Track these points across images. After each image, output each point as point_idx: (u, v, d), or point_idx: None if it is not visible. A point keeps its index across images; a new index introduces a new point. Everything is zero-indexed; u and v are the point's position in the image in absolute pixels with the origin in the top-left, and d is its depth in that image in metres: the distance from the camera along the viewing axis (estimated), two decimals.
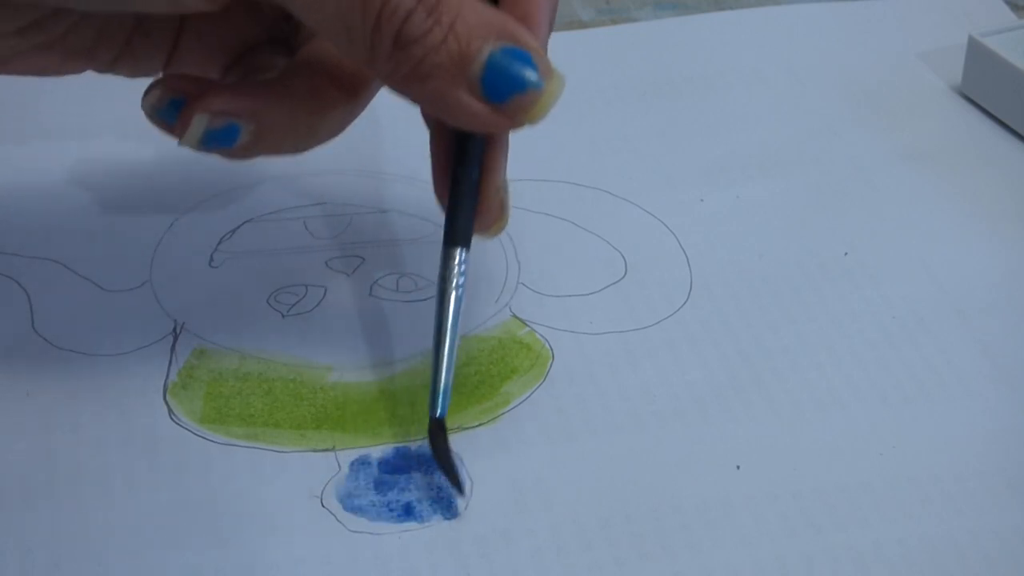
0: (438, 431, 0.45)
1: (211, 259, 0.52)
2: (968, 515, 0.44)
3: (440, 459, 0.44)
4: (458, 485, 0.44)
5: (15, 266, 0.51)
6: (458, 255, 0.45)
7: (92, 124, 0.58)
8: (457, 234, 0.45)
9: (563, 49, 0.63)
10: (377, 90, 0.45)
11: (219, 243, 0.53)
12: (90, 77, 0.58)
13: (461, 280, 0.45)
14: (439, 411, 0.45)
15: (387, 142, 0.57)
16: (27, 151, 0.56)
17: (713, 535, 0.44)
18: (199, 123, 0.43)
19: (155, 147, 0.56)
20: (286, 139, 0.44)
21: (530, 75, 0.41)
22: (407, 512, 0.44)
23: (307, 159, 0.56)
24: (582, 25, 0.65)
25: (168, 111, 0.44)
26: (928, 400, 0.48)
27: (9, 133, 0.57)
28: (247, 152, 0.44)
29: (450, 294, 0.45)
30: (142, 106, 0.44)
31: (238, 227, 0.53)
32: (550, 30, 0.44)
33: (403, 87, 0.41)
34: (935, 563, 0.43)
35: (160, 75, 0.45)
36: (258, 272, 0.52)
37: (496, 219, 0.46)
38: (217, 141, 0.43)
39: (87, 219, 0.53)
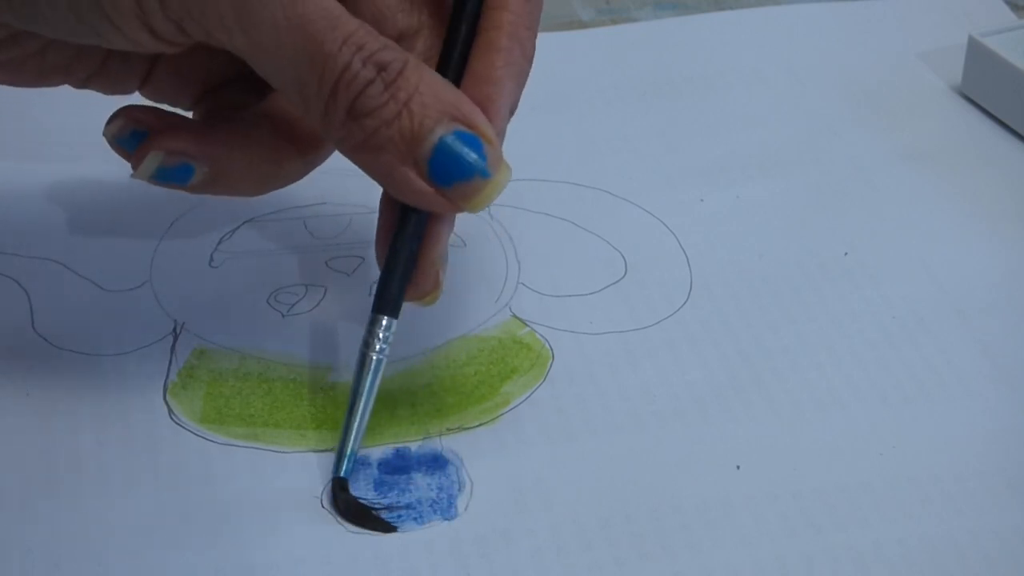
0: (339, 490, 0.44)
1: (211, 259, 0.52)
2: (968, 515, 0.44)
3: (347, 516, 0.44)
4: (383, 528, 0.44)
5: (15, 266, 0.51)
6: (383, 323, 0.44)
7: (92, 124, 0.57)
8: (384, 302, 0.44)
9: (563, 49, 0.63)
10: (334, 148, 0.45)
11: (219, 243, 0.53)
12: None
13: (383, 347, 0.44)
14: (341, 472, 0.44)
15: None
16: (27, 151, 0.56)
17: (713, 535, 0.44)
18: (153, 160, 0.43)
19: None
20: (240, 184, 0.45)
21: (478, 164, 0.41)
22: (407, 513, 0.44)
23: None
24: (582, 25, 0.65)
25: (129, 141, 0.44)
26: (928, 400, 0.48)
27: (9, 133, 0.57)
28: (201, 191, 0.44)
29: (370, 360, 0.44)
30: (104, 133, 0.45)
31: (238, 227, 0.53)
32: (511, 114, 0.44)
33: (352, 155, 0.42)
34: (935, 563, 0.43)
35: (128, 103, 0.45)
36: (258, 272, 0.52)
37: (428, 291, 0.45)
38: (170, 178, 0.44)
39: (87, 219, 0.53)
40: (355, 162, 0.42)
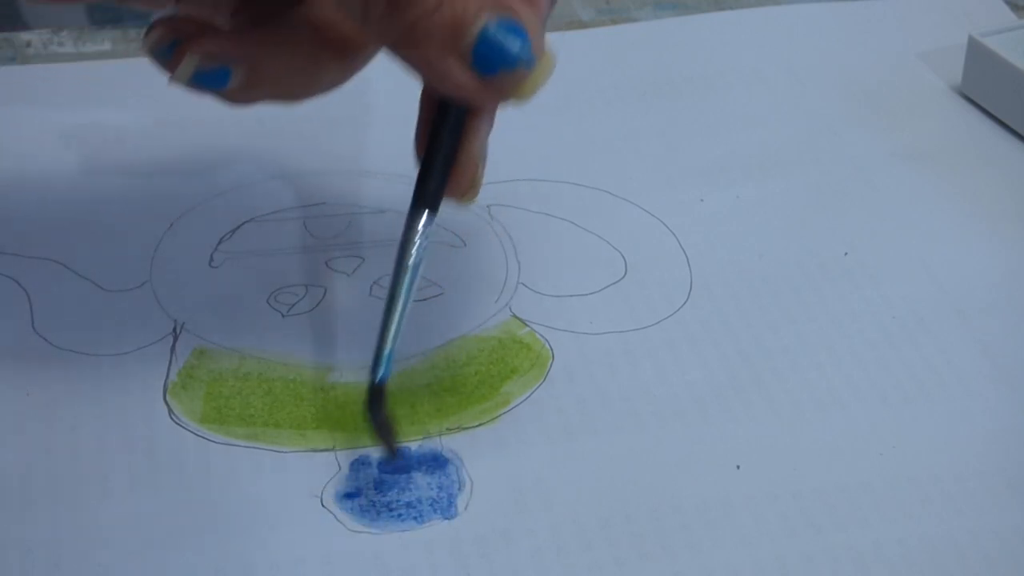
0: (376, 396, 0.44)
1: (211, 259, 0.52)
2: (968, 515, 0.44)
3: (374, 425, 0.44)
4: (391, 451, 0.44)
5: (15, 266, 0.51)
6: (422, 218, 0.43)
7: (92, 124, 0.58)
8: (424, 197, 0.43)
9: (563, 49, 0.63)
10: (377, 51, 0.45)
11: (219, 243, 0.53)
12: (89, 77, 0.58)
13: (423, 243, 0.43)
14: (379, 376, 0.44)
15: (387, 143, 0.57)
16: (27, 151, 0.56)
17: (713, 535, 0.44)
18: (190, 62, 0.43)
19: (155, 147, 0.57)
20: (279, 88, 0.44)
21: (522, 52, 0.40)
22: (407, 512, 0.44)
23: (307, 159, 0.56)
24: (582, 25, 0.65)
25: (167, 51, 0.43)
26: (928, 400, 0.48)
27: (9, 133, 0.57)
28: (239, 96, 0.44)
29: (409, 257, 0.43)
30: (143, 44, 0.44)
31: (238, 227, 0.53)
32: (552, 7, 0.43)
33: (393, 50, 0.41)
34: (935, 563, 0.43)
35: (166, 12, 0.45)
36: (258, 272, 0.52)
37: (465, 188, 0.44)
38: (207, 81, 0.43)
39: (87, 219, 0.53)
40: (396, 56, 0.41)
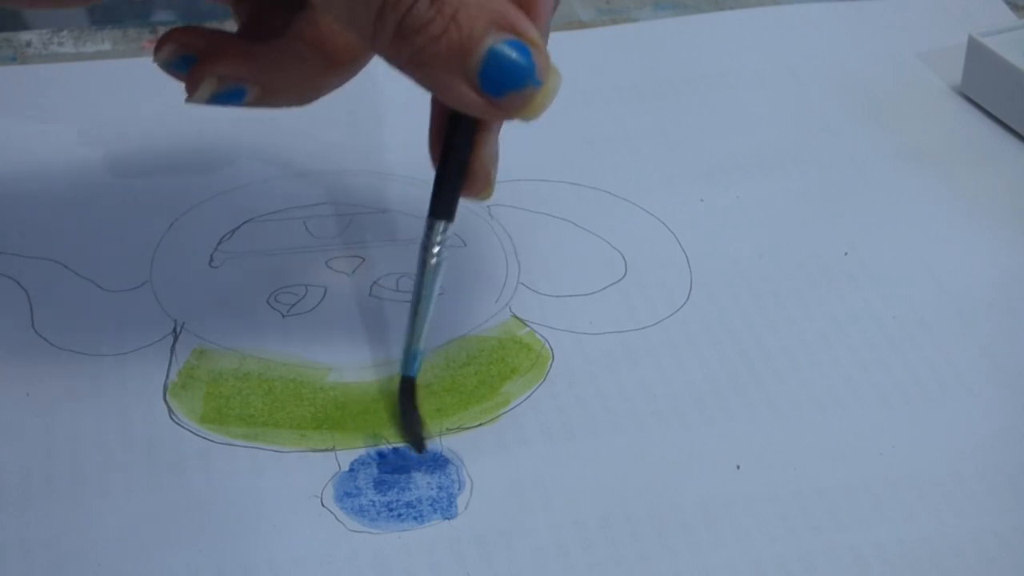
0: (406, 389, 0.46)
1: (211, 259, 0.52)
2: (968, 515, 0.44)
3: (403, 417, 0.46)
4: (416, 445, 0.46)
5: (15, 266, 0.51)
6: (439, 227, 0.45)
7: (92, 124, 0.58)
8: (440, 208, 0.45)
9: (563, 49, 0.63)
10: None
11: (219, 243, 0.53)
12: (89, 77, 0.58)
13: (441, 251, 0.45)
14: (409, 372, 0.46)
15: (388, 142, 0.57)
16: (27, 151, 0.56)
17: (713, 535, 0.44)
18: (207, 86, 0.45)
19: (155, 147, 0.57)
20: (289, 96, 0.47)
21: (528, 72, 0.41)
22: (407, 512, 0.44)
23: (307, 159, 0.56)
24: (582, 25, 0.65)
25: (179, 64, 0.45)
26: (928, 400, 0.48)
27: (9, 133, 0.57)
28: (254, 106, 0.46)
29: (429, 263, 0.45)
30: (154, 59, 0.45)
31: (238, 227, 0.53)
32: (552, 13, 0.44)
33: (403, 70, 0.42)
34: (935, 563, 0.43)
35: (171, 28, 0.46)
36: (258, 272, 0.52)
37: (480, 190, 0.46)
38: (224, 100, 0.45)
39: (87, 219, 0.53)
40: (407, 75, 0.42)
